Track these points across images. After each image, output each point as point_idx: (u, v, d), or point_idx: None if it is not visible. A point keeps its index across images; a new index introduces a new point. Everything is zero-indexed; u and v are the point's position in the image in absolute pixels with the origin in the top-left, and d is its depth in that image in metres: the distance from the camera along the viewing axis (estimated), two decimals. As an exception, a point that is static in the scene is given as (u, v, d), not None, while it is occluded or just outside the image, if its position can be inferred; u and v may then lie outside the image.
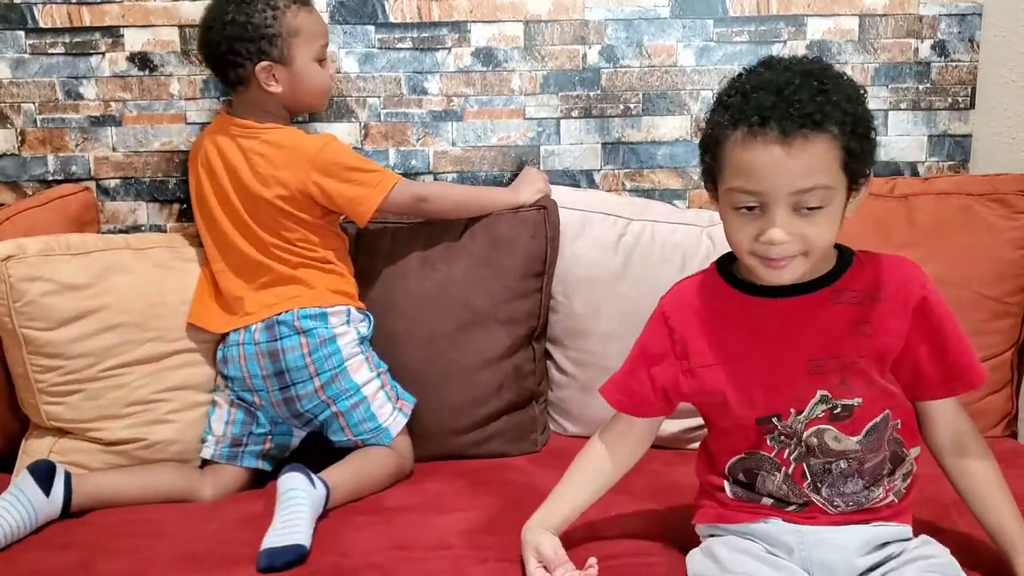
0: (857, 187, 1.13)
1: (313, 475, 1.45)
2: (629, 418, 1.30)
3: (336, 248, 1.69)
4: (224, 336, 1.65)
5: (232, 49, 1.62)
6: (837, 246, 1.20)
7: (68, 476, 1.48)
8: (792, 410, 1.18)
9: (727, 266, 1.23)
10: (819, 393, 1.17)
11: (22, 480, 1.44)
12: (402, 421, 1.66)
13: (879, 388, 1.17)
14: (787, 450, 1.20)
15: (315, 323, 1.61)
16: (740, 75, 1.13)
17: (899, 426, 1.21)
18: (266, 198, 1.62)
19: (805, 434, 1.19)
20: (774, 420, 1.19)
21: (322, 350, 1.61)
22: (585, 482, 1.31)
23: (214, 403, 1.67)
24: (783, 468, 1.21)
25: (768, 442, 1.21)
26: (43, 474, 1.45)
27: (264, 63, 1.62)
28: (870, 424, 1.18)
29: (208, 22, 1.65)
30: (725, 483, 1.26)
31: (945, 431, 1.22)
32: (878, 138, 1.15)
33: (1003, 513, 1.19)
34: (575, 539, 1.38)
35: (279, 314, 1.61)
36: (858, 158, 1.10)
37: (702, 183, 1.22)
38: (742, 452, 1.23)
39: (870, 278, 1.18)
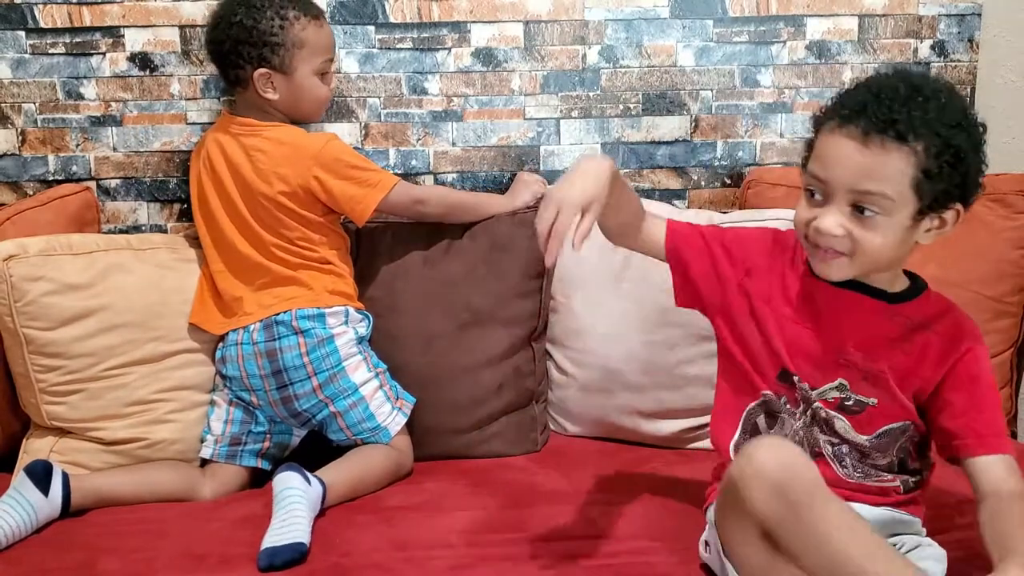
0: (935, 213, 1.13)
1: (308, 473, 1.46)
2: (658, 223, 1.31)
3: (337, 248, 1.69)
4: (223, 336, 1.65)
5: (234, 50, 1.62)
6: (912, 276, 1.23)
7: (65, 476, 1.48)
8: (807, 383, 1.22)
9: None
10: (839, 380, 1.20)
11: (20, 482, 1.44)
12: (401, 420, 1.66)
13: (899, 401, 1.19)
14: (797, 413, 1.23)
15: (313, 323, 1.61)
16: (870, 76, 1.18)
17: (916, 439, 1.23)
18: (268, 195, 1.62)
19: (815, 404, 1.22)
20: (795, 378, 1.22)
21: (320, 350, 1.61)
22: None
23: (213, 403, 1.67)
24: (798, 420, 1.23)
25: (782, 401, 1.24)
26: (40, 474, 1.45)
27: (263, 70, 1.62)
28: (885, 428, 1.20)
29: (216, 19, 1.65)
30: (731, 441, 1.27)
31: (984, 487, 1.16)
32: (983, 178, 1.16)
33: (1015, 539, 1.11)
34: (575, 538, 1.38)
35: (277, 314, 1.61)
36: (935, 183, 1.10)
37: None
38: (762, 392, 1.25)
39: (931, 315, 1.20)
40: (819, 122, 1.17)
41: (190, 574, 1.32)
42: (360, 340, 1.66)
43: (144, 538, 1.42)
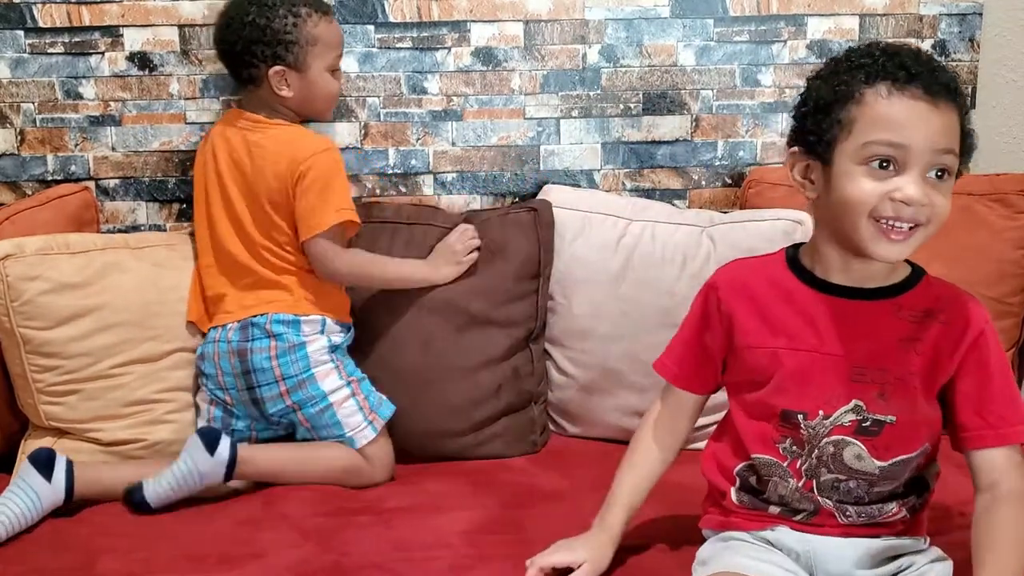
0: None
1: (223, 442, 1.49)
2: (680, 395, 1.28)
3: None
4: (205, 333, 1.66)
5: (248, 50, 1.62)
6: (910, 263, 1.17)
7: (69, 463, 1.48)
8: (820, 411, 1.15)
9: (794, 256, 1.21)
10: (853, 402, 1.14)
11: (24, 470, 1.45)
12: (369, 435, 1.62)
13: (920, 412, 1.13)
14: (799, 460, 1.17)
15: (285, 329, 1.61)
16: (855, 50, 1.12)
17: (928, 450, 1.17)
18: (264, 192, 1.62)
19: (824, 440, 1.15)
20: (799, 417, 1.15)
21: (289, 355, 1.60)
22: (640, 481, 1.30)
23: (196, 405, 1.67)
24: (794, 479, 1.18)
25: (780, 451, 1.18)
26: (43, 461, 1.45)
27: (278, 67, 1.62)
28: (902, 457, 1.14)
29: (227, 19, 1.65)
30: (731, 489, 1.23)
31: (981, 481, 1.14)
32: None
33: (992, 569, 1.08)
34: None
35: (254, 316, 1.61)
36: (967, 142, 1.10)
37: (789, 150, 1.15)
38: (752, 455, 1.19)
39: (934, 301, 1.15)
40: (849, 94, 1.08)
41: (189, 574, 1.32)
42: (334, 348, 1.65)
43: (143, 538, 1.41)
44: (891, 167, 1.06)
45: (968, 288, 1.66)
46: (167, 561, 1.34)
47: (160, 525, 1.46)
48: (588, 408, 1.77)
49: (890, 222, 1.06)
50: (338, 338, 1.66)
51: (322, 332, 1.63)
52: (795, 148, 1.15)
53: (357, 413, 1.63)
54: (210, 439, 1.50)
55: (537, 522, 1.43)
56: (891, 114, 1.05)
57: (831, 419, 1.15)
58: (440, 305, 1.73)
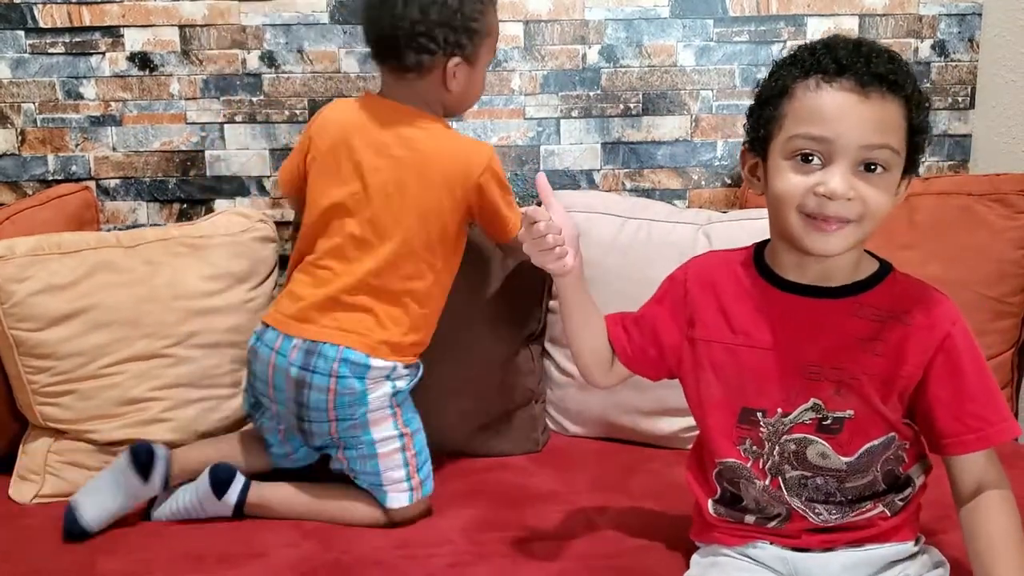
0: (906, 176, 1.08)
1: (231, 487, 1.46)
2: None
3: (442, 283, 1.54)
4: (265, 326, 1.50)
5: (429, 33, 1.40)
6: (878, 258, 1.15)
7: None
8: (779, 409, 1.14)
9: (760, 252, 1.19)
10: (812, 400, 1.13)
11: (121, 466, 1.47)
12: (404, 501, 1.46)
13: (876, 410, 1.11)
14: (761, 460, 1.16)
15: (350, 372, 1.43)
16: (802, 46, 1.10)
17: (906, 446, 1.15)
18: (428, 196, 1.44)
19: (784, 438, 1.14)
20: (758, 415, 1.15)
21: (347, 397, 1.44)
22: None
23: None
24: (760, 479, 1.17)
25: (741, 452, 1.17)
26: (143, 457, 1.46)
27: (457, 59, 1.43)
28: (866, 446, 1.13)
29: None
30: (709, 501, 1.22)
31: (965, 485, 1.12)
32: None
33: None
34: (575, 537, 1.38)
35: (325, 342, 1.43)
36: (918, 137, 1.06)
37: (733, 169, 1.17)
38: (717, 460, 1.19)
39: (899, 299, 1.11)
40: (782, 89, 1.07)
41: (189, 574, 1.32)
42: (397, 393, 1.48)
43: (143, 538, 1.42)
44: (815, 160, 1.04)
45: (968, 288, 1.69)
46: (167, 561, 1.34)
47: (160, 525, 1.46)
48: (588, 406, 1.77)
49: (818, 216, 1.05)
50: (403, 383, 1.49)
51: (388, 378, 1.47)
52: (745, 145, 1.16)
53: (400, 469, 1.48)
54: (220, 482, 1.45)
55: (537, 520, 1.43)
56: (816, 107, 1.04)
57: (790, 417, 1.14)
58: (449, 302, 1.72)
